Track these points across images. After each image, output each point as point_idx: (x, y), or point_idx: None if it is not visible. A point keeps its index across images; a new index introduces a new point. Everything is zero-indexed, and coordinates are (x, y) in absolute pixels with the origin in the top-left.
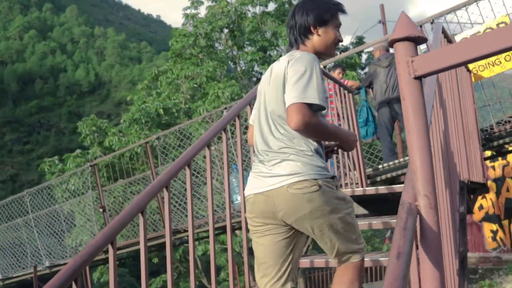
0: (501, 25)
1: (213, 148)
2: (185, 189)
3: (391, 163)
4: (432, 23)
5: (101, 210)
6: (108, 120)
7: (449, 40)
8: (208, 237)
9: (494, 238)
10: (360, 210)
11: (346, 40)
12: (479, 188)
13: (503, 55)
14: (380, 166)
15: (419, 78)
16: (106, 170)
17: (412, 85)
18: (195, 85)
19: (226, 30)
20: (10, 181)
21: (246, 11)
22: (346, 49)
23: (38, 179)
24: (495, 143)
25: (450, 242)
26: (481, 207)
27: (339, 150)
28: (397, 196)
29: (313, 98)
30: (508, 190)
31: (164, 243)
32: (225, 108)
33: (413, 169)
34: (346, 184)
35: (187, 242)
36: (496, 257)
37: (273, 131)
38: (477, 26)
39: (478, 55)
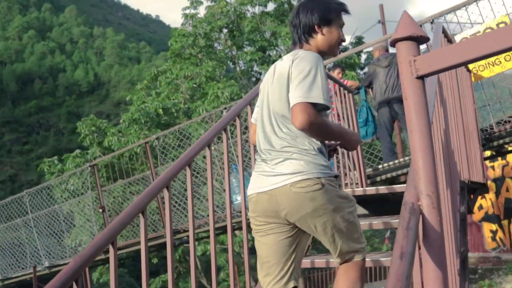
0: (501, 25)
1: (212, 148)
2: (185, 189)
3: (391, 163)
4: (432, 23)
5: (100, 210)
6: (107, 120)
7: (449, 40)
8: (207, 237)
9: (493, 238)
10: (360, 210)
11: (346, 40)
12: (479, 188)
13: (503, 55)
14: (380, 166)
15: (421, 77)
16: (105, 170)
17: (414, 85)
18: (195, 85)
19: (225, 30)
20: (9, 181)
21: (245, 11)
22: (345, 49)
23: (37, 179)
24: (495, 143)
25: (451, 242)
26: (480, 207)
27: (340, 150)
28: (397, 196)
29: (318, 97)
30: (507, 190)
31: (163, 243)
32: (225, 108)
33: (416, 169)
34: (346, 184)
35: (186, 242)
36: (496, 257)
37: (276, 130)
38: (477, 26)
39: (480, 54)
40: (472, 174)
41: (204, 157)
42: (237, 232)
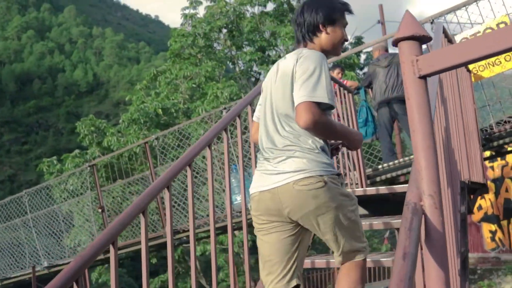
0: (501, 25)
1: (212, 148)
2: (184, 189)
3: (390, 163)
4: (432, 23)
5: (100, 210)
6: (106, 120)
7: (450, 40)
8: (206, 237)
9: (493, 239)
10: (360, 210)
11: (348, 39)
12: (479, 188)
13: (503, 55)
14: (379, 167)
15: (423, 77)
16: (105, 170)
17: (417, 85)
18: (194, 85)
19: (224, 30)
20: (8, 181)
21: (244, 11)
22: (345, 49)
23: (36, 179)
24: (495, 143)
25: (452, 242)
26: (480, 208)
27: (340, 150)
28: (397, 196)
29: (323, 97)
30: (507, 191)
31: (162, 243)
32: (224, 108)
33: (418, 169)
34: (346, 185)
35: (185, 242)
36: (495, 257)
37: (278, 129)
38: (477, 26)
39: (482, 54)
40: (472, 174)
41: (203, 157)
42: (236, 232)
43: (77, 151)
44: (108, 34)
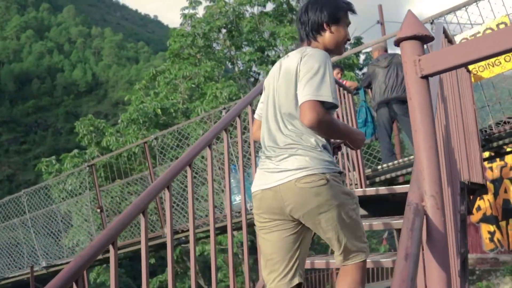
0: (501, 26)
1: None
2: (183, 189)
3: (390, 163)
4: (432, 23)
5: (98, 210)
6: (105, 120)
7: (450, 40)
8: (204, 237)
9: (491, 239)
10: (359, 211)
11: (351, 39)
12: (479, 189)
13: (503, 55)
14: (379, 167)
15: (425, 77)
16: (103, 170)
17: (419, 84)
18: (193, 85)
19: (224, 30)
20: (7, 181)
21: (244, 11)
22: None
23: (35, 179)
24: (495, 144)
25: (452, 243)
26: (478, 208)
27: (340, 151)
28: (397, 197)
29: (327, 96)
30: (505, 191)
31: (161, 243)
32: (224, 108)
33: (420, 169)
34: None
35: (184, 242)
36: (494, 258)
37: (281, 128)
38: (476, 26)
39: (485, 54)
40: (472, 175)
41: (202, 157)
42: (234, 232)
43: (76, 151)
44: (107, 34)
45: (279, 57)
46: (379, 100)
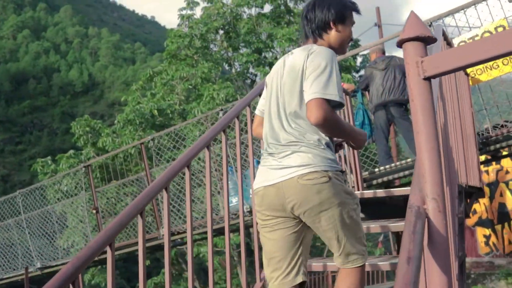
0: (499, 29)
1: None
2: (179, 191)
3: (387, 166)
4: (430, 26)
5: (94, 211)
6: (101, 121)
7: (449, 43)
8: (200, 239)
9: (487, 243)
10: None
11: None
12: (476, 192)
13: (501, 58)
14: (376, 170)
15: (428, 78)
16: (99, 171)
17: (421, 86)
18: (190, 86)
19: (221, 32)
20: (1, 181)
21: (241, 12)
22: None
23: (30, 179)
24: (492, 147)
25: (451, 246)
26: (474, 212)
27: (338, 153)
28: (394, 200)
29: (334, 94)
30: (501, 195)
31: (156, 245)
32: (221, 110)
33: (422, 171)
34: None
35: (179, 244)
36: (489, 262)
37: (284, 126)
38: (475, 29)
39: (487, 56)
40: (469, 178)
41: (199, 158)
42: (230, 234)
43: (71, 151)
44: (104, 35)
45: (276, 58)
46: (376, 102)
